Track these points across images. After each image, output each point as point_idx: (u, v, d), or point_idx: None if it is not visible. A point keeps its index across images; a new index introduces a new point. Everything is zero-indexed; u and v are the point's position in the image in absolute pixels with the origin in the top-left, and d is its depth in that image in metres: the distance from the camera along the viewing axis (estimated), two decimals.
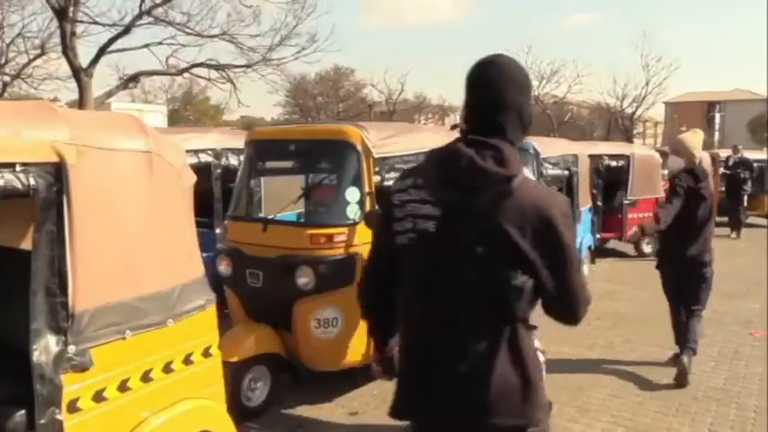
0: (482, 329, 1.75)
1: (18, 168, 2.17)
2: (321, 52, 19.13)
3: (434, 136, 5.86)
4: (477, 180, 1.71)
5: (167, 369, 2.72)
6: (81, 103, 15.03)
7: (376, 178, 4.60)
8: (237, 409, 4.11)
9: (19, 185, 2.17)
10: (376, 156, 4.56)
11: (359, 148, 4.53)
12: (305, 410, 4.45)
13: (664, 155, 12.05)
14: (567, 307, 1.82)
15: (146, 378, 2.64)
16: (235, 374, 4.12)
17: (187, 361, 2.82)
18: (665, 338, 5.47)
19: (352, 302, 4.46)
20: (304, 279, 4.28)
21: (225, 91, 19.69)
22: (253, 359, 4.26)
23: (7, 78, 20.01)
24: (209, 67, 18.07)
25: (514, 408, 1.76)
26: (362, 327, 4.48)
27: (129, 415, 2.60)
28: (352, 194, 4.44)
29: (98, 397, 2.47)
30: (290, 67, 21.79)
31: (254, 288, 4.50)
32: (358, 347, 4.54)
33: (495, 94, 1.77)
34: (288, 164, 5.54)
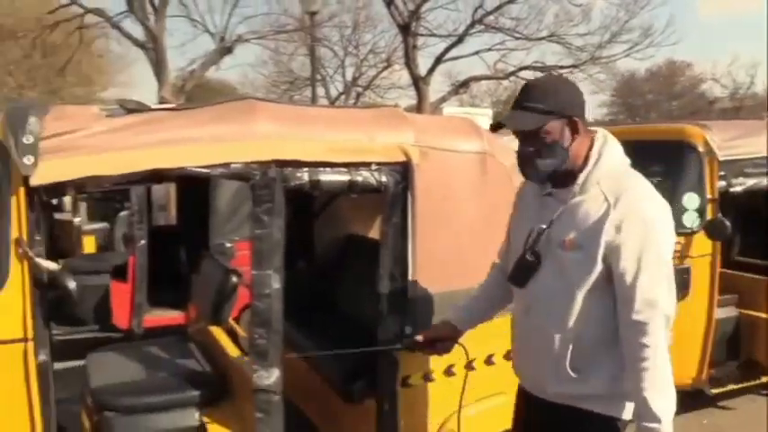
0: None
1: (373, 167, 2.49)
2: (655, 47, 17.80)
3: None
4: None
5: (489, 361, 2.82)
6: (418, 109, 16.53)
7: (720, 183, 4.12)
8: None
9: (374, 182, 2.49)
10: (721, 159, 4.07)
11: (701, 149, 4.10)
12: None
13: None
14: None
15: (469, 366, 2.77)
16: None
17: (507, 356, 2.89)
18: None
19: (679, 318, 4.11)
20: None
21: None
22: None
23: (360, 89, 22.99)
24: (536, 69, 18.19)
25: None
26: (692, 346, 4.09)
27: (450, 398, 2.77)
28: (690, 201, 4.05)
29: (426, 377, 2.69)
30: (619, 65, 20.70)
31: None
32: (681, 369, 4.11)
33: None
34: None
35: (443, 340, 2.28)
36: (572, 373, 1.86)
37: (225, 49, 14.72)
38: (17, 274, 2.16)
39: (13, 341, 2.17)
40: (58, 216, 6.78)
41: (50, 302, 2.31)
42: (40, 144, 2.10)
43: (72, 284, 2.21)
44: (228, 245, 5.01)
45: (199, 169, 2.30)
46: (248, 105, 2.51)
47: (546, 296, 1.91)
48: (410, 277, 2.55)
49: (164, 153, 2.26)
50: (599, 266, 1.81)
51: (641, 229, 1.78)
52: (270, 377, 2.39)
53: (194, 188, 4.90)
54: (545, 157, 1.86)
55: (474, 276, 2.73)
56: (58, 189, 2.23)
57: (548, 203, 1.94)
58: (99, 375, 2.79)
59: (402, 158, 2.52)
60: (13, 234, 2.15)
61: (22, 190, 2.15)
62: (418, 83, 16.77)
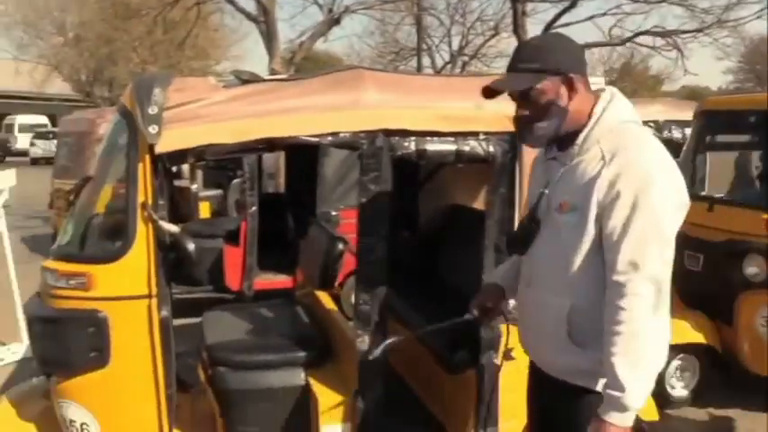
0: None
1: (481, 137, 2.45)
2: None
3: None
4: None
5: None
6: None
7: None
8: (660, 394, 3.93)
9: (481, 152, 2.46)
10: None
11: None
12: (736, 414, 3.98)
13: None
14: None
15: None
16: None
17: None
18: None
19: None
20: (753, 269, 3.77)
21: (670, 59, 18.36)
22: (682, 347, 3.97)
23: (466, 58, 22.60)
24: (655, 34, 17.10)
25: None
26: None
27: None
28: None
29: None
30: (748, 28, 19.08)
31: (692, 272, 4.16)
32: None
33: None
34: (743, 138, 4.92)
35: (494, 309, 2.11)
36: (572, 345, 1.74)
37: (333, 21, 14.88)
38: (143, 235, 2.33)
39: (139, 297, 2.35)
40: (177, 183, 7.20)
41: (170, 263, 2.47)
42: (163, 114, 2.23)
43: (191, 246, 2.34)
44: (334, 213, 5.14)
45: (309, 138, 2.36)
46: (356, 75, 2.53)
47: (543, 263, 1.82)
48: None
49: (276, 122, 2.34)
50: (592, 229, 1.68)
51: (636, 184, 1.62)
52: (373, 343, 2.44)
53: (303, 157, 5.04)
54: (542, 119, 1.76)
55: None
56: (179, 156, 2.36)
57: (552, 167, 1.84)
58: (214, 333, 2.97)
59: (510, 128, 2.45)
60: (140, 198, 2.31)
61: (147, 157, 2.30)
62: None
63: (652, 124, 6.03)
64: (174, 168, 6.40)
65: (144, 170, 2.30)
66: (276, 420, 2.72)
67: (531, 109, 1.77)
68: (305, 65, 16.46)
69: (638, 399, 1.60)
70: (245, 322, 3.08)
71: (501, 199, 2.50)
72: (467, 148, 2.43)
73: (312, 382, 2.71)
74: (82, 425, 2.45)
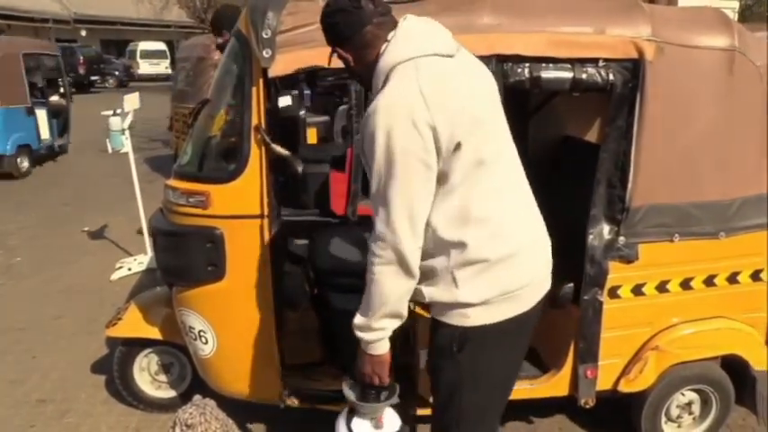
0: None
1: (600, 64, 2.31)
2: None
3: None
4: None
5: (709, 282, 2.63)
6: (651, 0, 14.84)
7: None
8: None
9: (599, 80, 2.32)
10: None
11: None
12: None
13: None
14: None
15: (685, 285, 2.61)
16: None
17: (732, 279, 2.65)
18: None
19: None
20: None
21: None
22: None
23: None
24: None
25: None
26: None
27: (661, 315, 2.64)
28: None
29: (637, 290, 2.58)
30: None
31: None
32: None
33: None
34: None
35: None
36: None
37: None
38: (256, 157, 2.40)
39: (252, 216, 2.45)
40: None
41: (280, 186, 2.55)
42: (277, 38, 2.25)
43: (300, 168, 2.40)
44: None
45: None
46: None
47: None
48: (630, 184, 2.40)
49: None
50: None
51: (363, 128, 1.67)
52: None
53: None
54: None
55: (706, 191, 2.51)
56: (290, 81, 2.39)
57: None
58: (320, 255, 3.07)
59: (634, 55, 2.30)
60: (254, 122, 2.37)
61: (261, 81, 2.34)
62: None
63: None
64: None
65: (258, 94, 2.35)
66: None
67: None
68: None
69: (363, 340, 1.83)
70: (349, 246, 3.16)
71: (618, 132, 2.37)
72: (584, 77, 2.30)
73: (417, 307, 2.77)
74: (200, 332, 2.64)
